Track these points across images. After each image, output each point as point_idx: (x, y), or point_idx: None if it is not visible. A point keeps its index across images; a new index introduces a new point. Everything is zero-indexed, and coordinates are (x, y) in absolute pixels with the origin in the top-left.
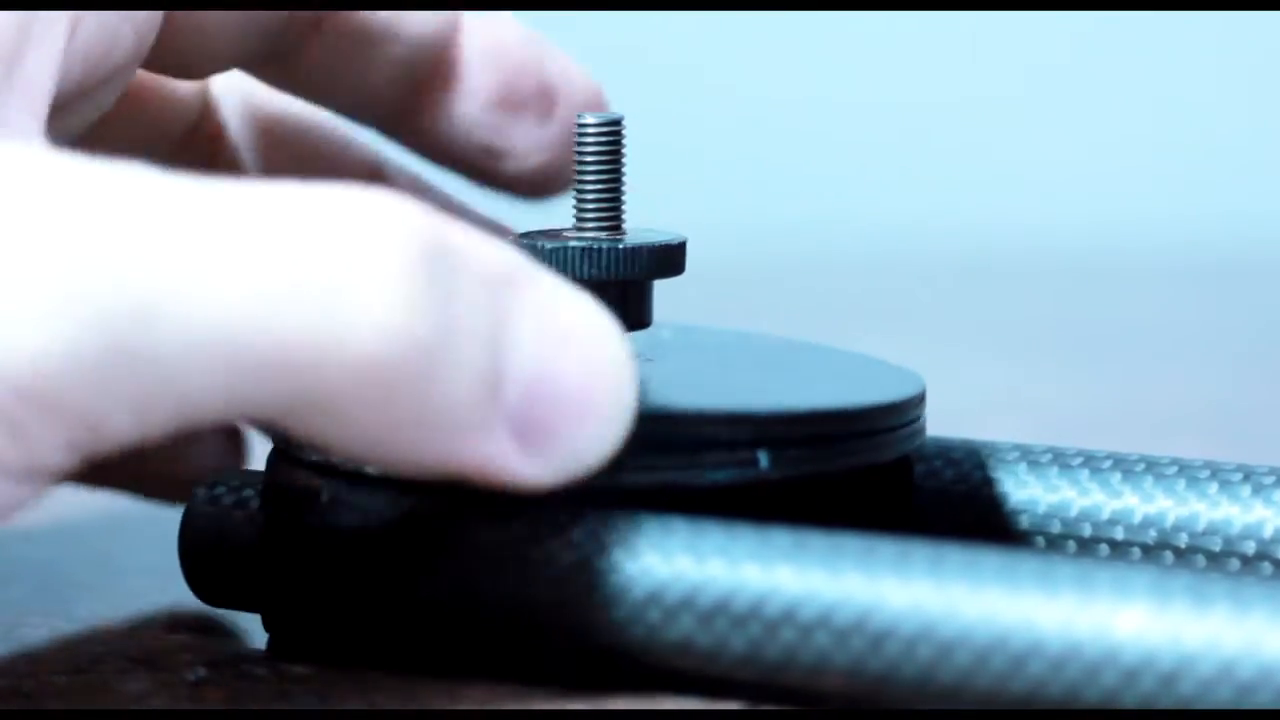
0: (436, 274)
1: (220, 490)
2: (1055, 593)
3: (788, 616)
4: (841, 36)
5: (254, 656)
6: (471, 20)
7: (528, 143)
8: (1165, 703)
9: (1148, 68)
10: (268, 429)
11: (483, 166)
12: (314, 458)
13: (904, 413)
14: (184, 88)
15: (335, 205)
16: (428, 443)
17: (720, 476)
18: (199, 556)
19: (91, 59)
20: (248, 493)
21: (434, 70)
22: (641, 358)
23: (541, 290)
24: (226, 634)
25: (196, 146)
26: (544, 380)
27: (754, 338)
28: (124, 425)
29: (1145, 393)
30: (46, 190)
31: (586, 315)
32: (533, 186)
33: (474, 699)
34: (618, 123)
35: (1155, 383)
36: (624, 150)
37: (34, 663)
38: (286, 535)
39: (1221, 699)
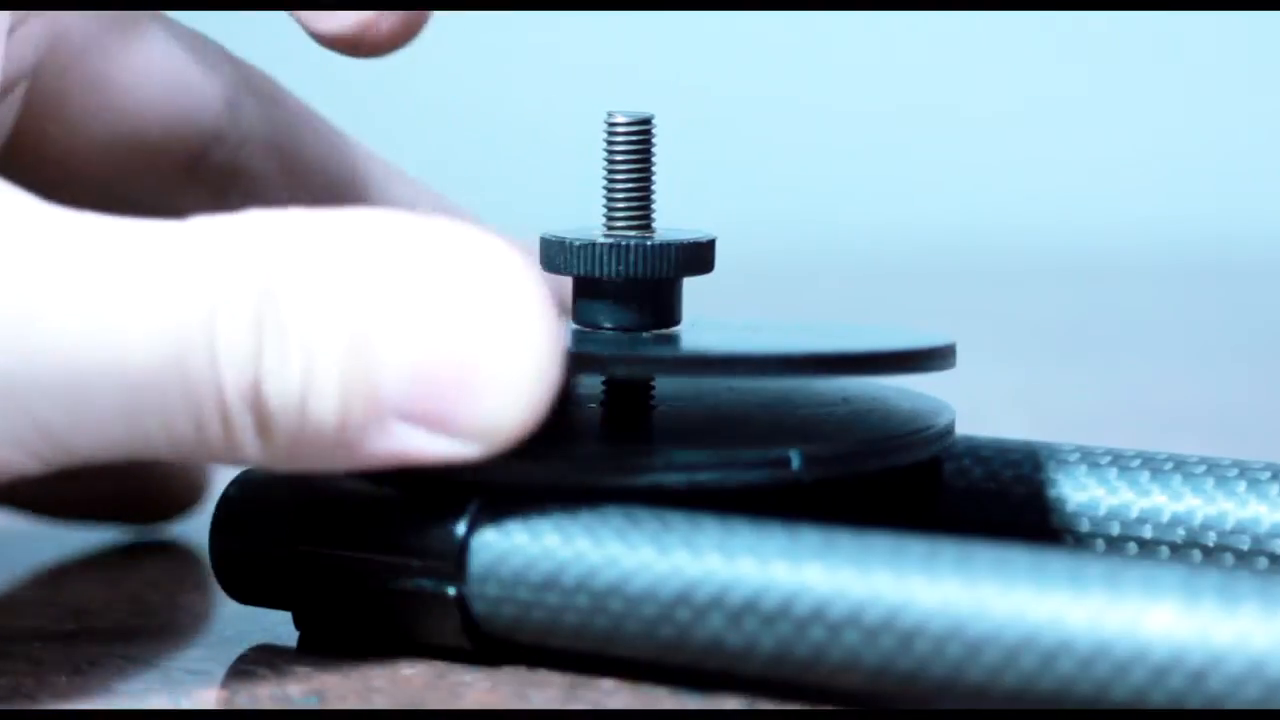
0: (272, 325)
1: (250, 489)
2: (1084, 591)
3: (817, 615)
4: (842, 37)
5: (253, 657)
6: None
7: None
8: (1194, 701)
9: (1148, 68)
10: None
11: None
12: None
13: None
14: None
15: (181, 248)
16: (326, 453)
17: (751, 477)
18: (230, 555)
19: None
20: (278, 491)
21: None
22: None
23: (422, 269)
24: (227, 634)
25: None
26: (421, 378)
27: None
28: (26, 467)
29: (1145, 392)
30: None
31: (480, 290)
32: None
33: (474, 699)
34: (648, 121)
35: (1155, 382)
36: (654, 149)
37: (34, 663)
38: (316, 534)
39: (1250, 697)
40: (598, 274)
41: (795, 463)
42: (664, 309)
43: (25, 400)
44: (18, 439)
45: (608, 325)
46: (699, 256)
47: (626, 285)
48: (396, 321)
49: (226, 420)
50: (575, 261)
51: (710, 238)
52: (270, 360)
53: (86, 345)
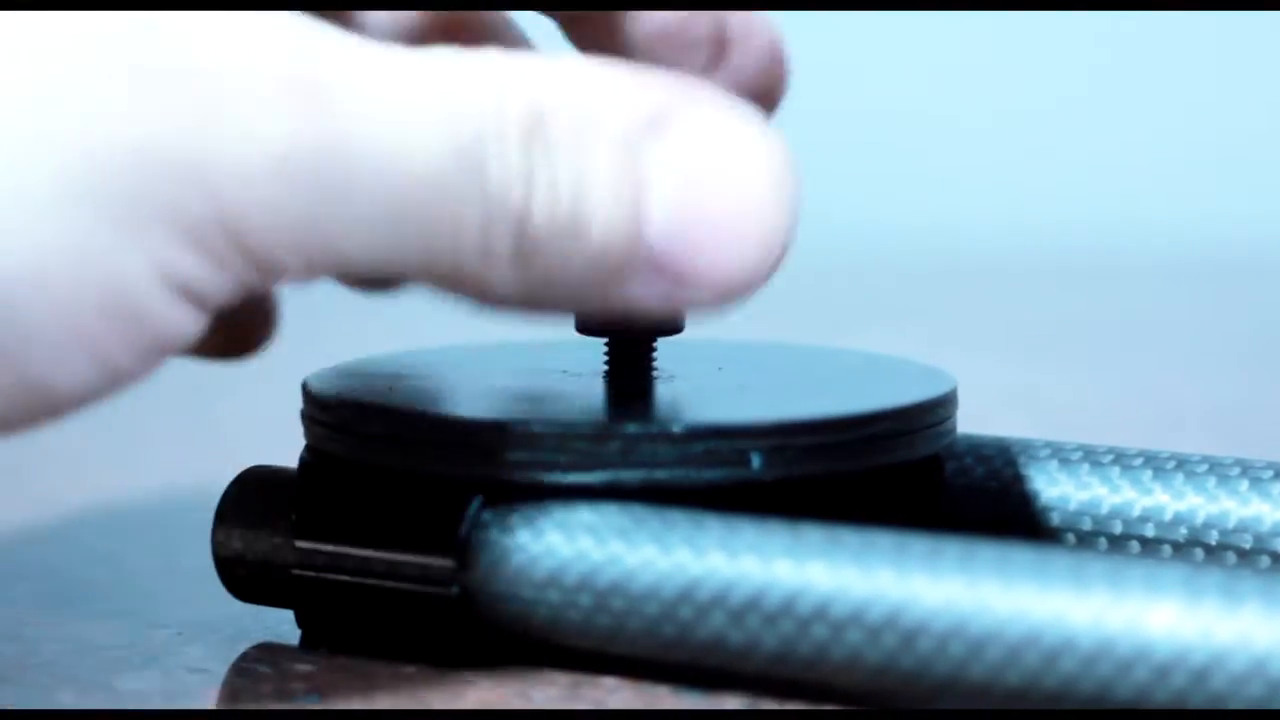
0: (544, 143)
1: (253, 487)
2: (1087, 589)
3: (820, 613)
4: (841, 37)
5: (255, 655)
6: None
7: None
8: (1197, 700)
9: (1148, 68)
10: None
11: None
12: (346, 453)
13: (930, 413)
14: None
15: (462, 74)
16: (574, 295)
17: (711, 477)
18: (232, 553)
19: None
20: (280, 490)
21: None
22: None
23: (691, 121)
24: (228, 633)
25: None
26: (687, 222)
27: (771, 347)
28: (295, 271)
29: (1147, 391)
30: (291, 41)
31: (742, 139)
32: None
33: (474, 699)
34: None
35: (1156, 382)
36: None
37: (36, 662)
38: (319, 531)
39: (1253, 696)
40: None
41: (755, 463)
42: (667, 319)
43: (307, 193)
44: (297, 241)
45: (611, 331)
46: None
47: None
48: (666, 163)
49: (487, 237)
50: None
51: None
52: (539, 181)
53: (365, 147)
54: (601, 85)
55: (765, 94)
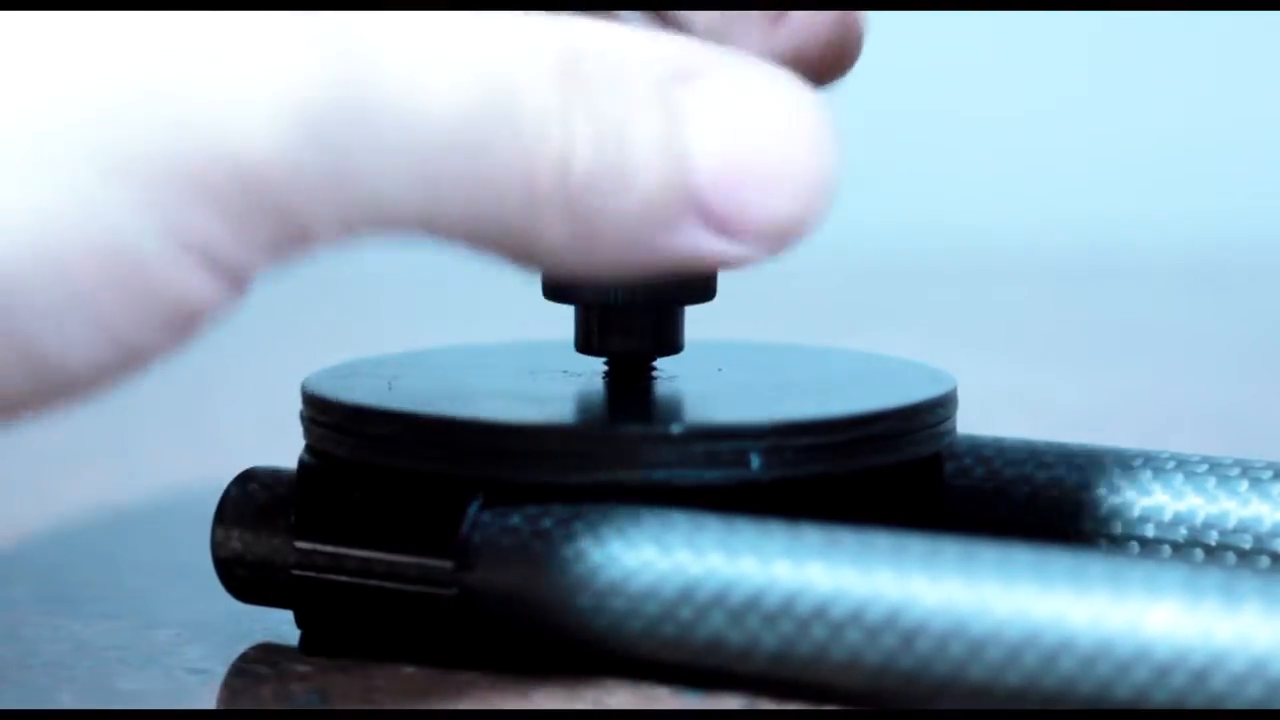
0: (581, 83)
1: (252, 488)
2: (1087, 590)
3: (819, 614)
4: None
5: (255, 655)
6: None
7: (748, 47)
8: (1196, 700)
9: (1148, 68)
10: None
11: None
12: (345, 453)
13: (930, 413)
14: None
15: (490, 30)
16: (622, 246)
17: (710, 478)
18: (231, 554)
19: None
20: (280, 490)
21: None
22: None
23: (723, 75)
24: (228, 633)
25: None
26: (731, 167)
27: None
28: (328, 231)
29: (1146, 391)
30: None
31: (776, 92)
32: None
33: (474, 699)
34: None
35: (1156, 382)
36: None
37: (36, 662)
38: (318, 531)
39: (1252, 696)
40: (602, 299)
41: (754, 463)
42: (667, 334)
43: (331, 143)
44: (326, 196)
45: (611, 351)
46: (701, 284)
47: (625, 311)
48: (705, 110)
49: (530, 185)
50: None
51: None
52: (579, 125)
53: (387, 91)
54: (635, 37)
55: (831, 60)
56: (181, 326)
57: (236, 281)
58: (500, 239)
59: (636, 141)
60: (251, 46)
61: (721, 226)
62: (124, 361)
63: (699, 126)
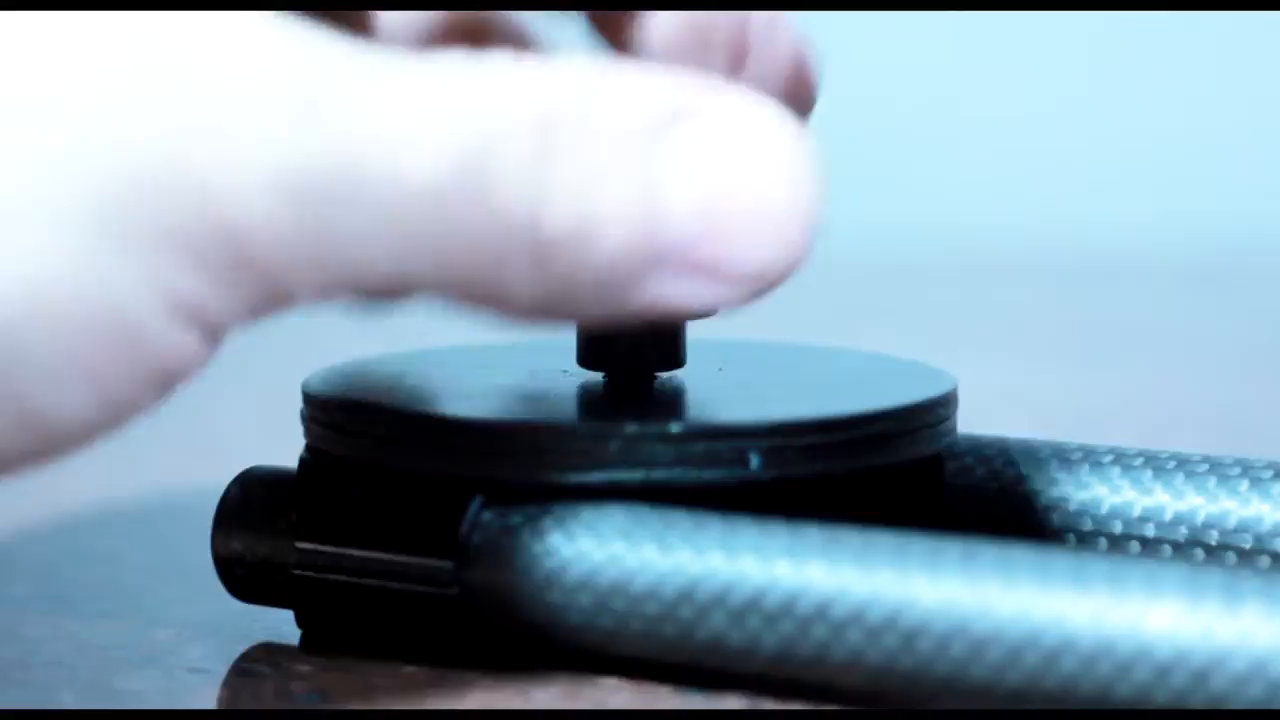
0: (556, 146)
1: (253, 488)
2: (1087, 589)
3: (820, 613)
4: (840, 37)
5: (255, 655)
6: None
7: None
8: (1197, 700)
9: (1148, 68)
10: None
11: None
12: (346, 453)
13: (930, 413)
14: None
15: (470, 95)
16: (593, 299)
17: (710, 477)
18: (232, 554)
19: None
20: (280, 490)
21: None
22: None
23: (713, 115)
24: (228, 633)
25: None
26: (709, 215)
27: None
28: (306, 294)
29: (1147, 391)
30: (290, 55)
31: (760, 131)
32: None
33: (474, 699)
34: None
35: (1157, 381)
36: None
37: (36, 662)
38: (318, 531)
39: (1253, 696)
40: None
41: (754, 462)
42: (667, 350)
43: (309, 209)
44: (305, 258)
45: (612, 368)
46: None
47: (627, 328)
48: (685, 156)
49: (501, 246)
50: None
51: None
52: (549, 186)
53: (363, 160)
54: (611, 85)
55: (791, 103)
56: (163, 384)
57: (216, 339)
58: (473, 295)
59: (606, 198)
60: (248, 118)
61: (706, 272)
62: (110, 419)
63: (677, 175)
